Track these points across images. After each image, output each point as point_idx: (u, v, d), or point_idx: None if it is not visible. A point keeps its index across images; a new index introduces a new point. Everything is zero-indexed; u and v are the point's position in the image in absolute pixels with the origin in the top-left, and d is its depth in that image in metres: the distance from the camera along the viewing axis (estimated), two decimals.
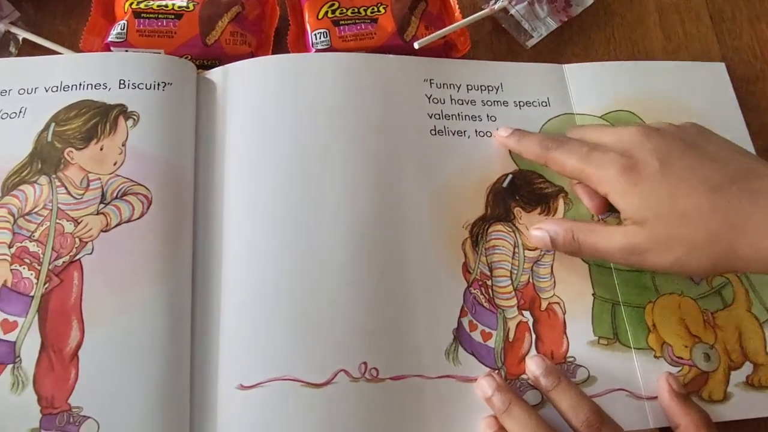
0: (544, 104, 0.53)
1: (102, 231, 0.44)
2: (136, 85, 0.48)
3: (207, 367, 0.44)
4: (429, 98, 0.52)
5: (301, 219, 0.46)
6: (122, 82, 0.48)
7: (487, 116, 0.52)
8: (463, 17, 0.56)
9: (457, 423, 0.43)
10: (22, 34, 0.52)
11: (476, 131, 0.52)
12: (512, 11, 0.56)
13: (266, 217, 0.46)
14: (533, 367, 0.44)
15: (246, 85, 0.50)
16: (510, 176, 0.50)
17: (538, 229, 0.45)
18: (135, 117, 0.47)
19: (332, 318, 0.44)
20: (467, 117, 0.52)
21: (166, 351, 0.43)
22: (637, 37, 0.59)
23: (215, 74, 0.52)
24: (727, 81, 0.55)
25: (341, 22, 0.54)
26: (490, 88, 0.53)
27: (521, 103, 0.53)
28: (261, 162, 0.48)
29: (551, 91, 0.54)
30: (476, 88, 0.53)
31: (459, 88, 0.53)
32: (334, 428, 0.42)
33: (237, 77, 0.51)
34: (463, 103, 0.53)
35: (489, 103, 0.53)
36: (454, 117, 0.52)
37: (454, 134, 0.51)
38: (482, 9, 0.56)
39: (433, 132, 0.51)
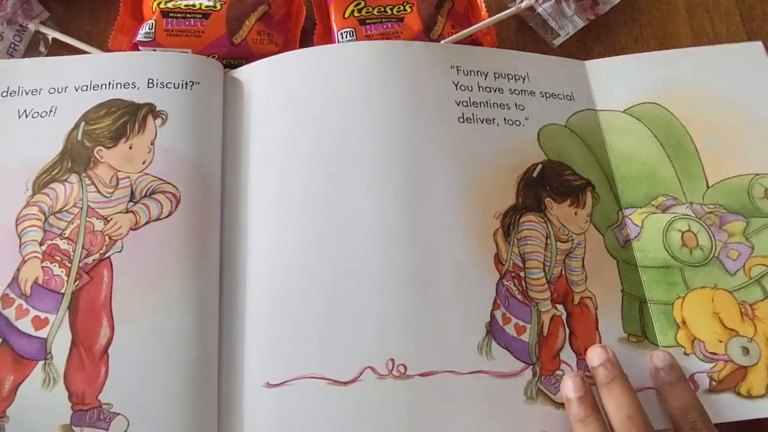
0: (568, 98, 0.53)
1: (131, 229, 0.45)
2: (164, 85, 0.48)
3: (234, 365, 0.44)
4: (456, 85, 0.51)
5: (329, 216, 0.46)
6: (151, 81, 0.48)
7: (515, 105, 0.52)
8: (490, 16, 0.55)
9: (490, 420, 0.43)
10: (51, 33, 0.53)
11: (505, 119, 0.51)
12: (539, 9, 0.56)
13: (293, 215, 0.46)
14: (592, 355, 0.44)
15: (271, 82, 0.50)
16: (540, 166, 0.50)
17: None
18: (163, 116, 0.47)
19: (359, 314, 0.44)
20: (495, 105, 0.51)
21: (194, 349, 0.43)
22: (664, 35, 0.58)
23: (241, 73, 0.52)
24: (765, 61, 0.53)
25: (367, 21, 0.54)
26: (517, 77, 0.53)
27: (547, 95, 0.53)
28: (287, 159, 0.48)
29: (574, 86, 0.53)
30: (503, 76, 0.53)
31: (486, 76, 0.52)
32: (361, 427, 0.42)
33: (262, 75, 0.51)
34: (490, 91, 0.52)
35: (516, 92, 0.52)
36: (482, 105, 0.51)
37: (482, 122, 0.50)
38: (509, 7, 0.56)
39: (461, 119, 0.50)
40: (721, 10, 0.59)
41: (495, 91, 0.52)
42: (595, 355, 0.43)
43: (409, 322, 0.44)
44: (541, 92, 0.53)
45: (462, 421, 0.42)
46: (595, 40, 0.57)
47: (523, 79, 0.53)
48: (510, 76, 0.53)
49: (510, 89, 0.52)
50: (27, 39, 0.53)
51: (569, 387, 0.42)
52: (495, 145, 0.50)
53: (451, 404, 0.43)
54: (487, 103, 0.51)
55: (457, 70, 0.52)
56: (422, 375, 0.43)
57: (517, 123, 0.51)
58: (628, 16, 0.59)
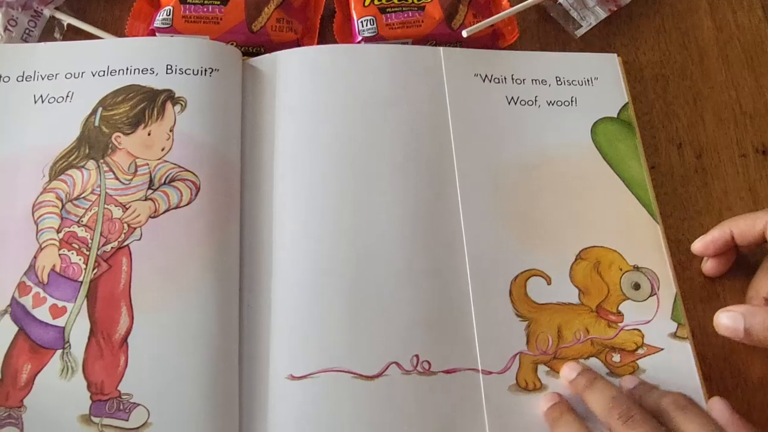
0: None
1: (150, 217, 0.44)
2: (183, 71, 0.47)
3: (257, 356, 0.43)
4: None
5: (353, 211, 0.46)
6: (169, 67, 0.47)
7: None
8: (511, 6, 0.55)
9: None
10: (66, 19, 0.52)
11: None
12: (561, 0, 0.55)
13: (317, 208, 0.46)
14: (567, 371, 0.44)
15: (296, 75, 0.50)
16: None
17: (727, 311, 0.43)
18: (182, 102, 0.47)
19: (384, 310, 0.44)
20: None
21: (215, 339, 0.42)
22: (687, 27, 0.57)
23: (262, 62, 0.51)
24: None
25: (388, 10, 0.53)
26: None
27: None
28: (312, 152, 0.47)
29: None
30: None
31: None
32: (385, 421, 0.41)
33: (287, 66, 0.50)
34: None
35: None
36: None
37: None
38: None
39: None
40: (743, 2, 0.58)
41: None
42: (570, 369, 0.43)
43: (433, 319, 0.44)
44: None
45: (486, 417, 0.42)
46: (617, 32, 0.57)
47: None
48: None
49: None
50: (42, 24, 0.52)
51: (567, 371, 0.43)
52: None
53: (476, 401, 0.43)
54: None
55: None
56: (446, 372, 0.43)
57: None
58: (650, 7, 0.58)
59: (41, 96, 0.47)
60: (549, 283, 0.46)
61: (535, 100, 0.52)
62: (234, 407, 0.42)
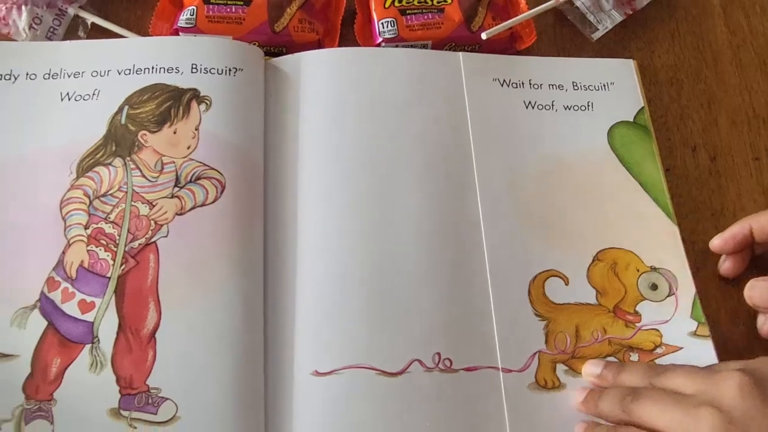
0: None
1: (177, 214, 0.44)
2: (207, 70, 0.48)
3: (282, 353, 0.44)
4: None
5: (374, 209, 0.47)
6: (194, 66, 0.48)
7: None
8: (529, 9, 0.55)
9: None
10: (90, 18, 0.52)
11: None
12: (577, 3, 0.56)
13: (340, 207, 0.47)
14: (590, 368, 0.44)
15: (319, 77, 0.50)
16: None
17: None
18: (207, 101, 0.47)
19: (407, 307, 0.44)
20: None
21: (240, 336, 0.43)
22: (701, 31, 0.58)
23: (285, 63, 0.51)
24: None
25: (408, 12, 0.54)
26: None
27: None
28: (334, 154, 0.48)
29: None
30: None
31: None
32: (408, 417, 0.42)
33: (310, 68, 0.51)
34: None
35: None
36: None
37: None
38: (548, 1, 0.56)
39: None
40: (756, 6, 0.59)
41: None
42: (593, 365, 0.44)
43: (454, 317, 0.45)
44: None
45: (507, 415, 0.43)
46: (632, 35, 0.58)
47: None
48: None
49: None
50: (66, 23, 0.53)
51: (591, 367, 0.44)
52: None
53: (497, 399, 0.43)
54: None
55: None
56: (467, 369, 0.44)
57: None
58: (664, 11, 0.59)
59: (68, 94, 0.48)
60: (567, 284, 0.47)
61: (552, 105, 0.53)
62: (259, 402, 0.42)
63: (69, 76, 0.48)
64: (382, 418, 0.42)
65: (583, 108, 0.53)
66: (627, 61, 0.55)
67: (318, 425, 0.42)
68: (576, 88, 0.54)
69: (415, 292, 0.45)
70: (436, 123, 0.50)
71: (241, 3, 0.52)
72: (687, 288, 0.47)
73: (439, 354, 0.44)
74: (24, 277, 0.43)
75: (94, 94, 0.47)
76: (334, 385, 0.42)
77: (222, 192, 0.45)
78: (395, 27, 0.53)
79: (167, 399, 0.41)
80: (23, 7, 0.51)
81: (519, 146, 0.51)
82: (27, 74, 0.48)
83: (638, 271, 0.48)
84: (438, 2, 0.54)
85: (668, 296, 0.47)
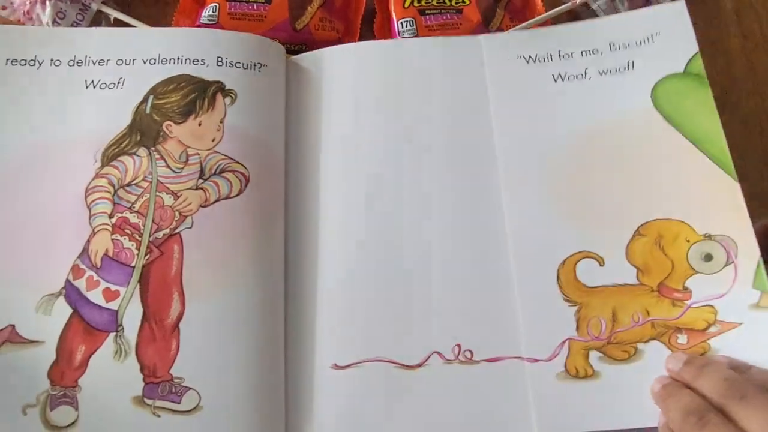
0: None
1: (201, 206, 0.44)
2: (233, 64, 0.48)
3: (302, 346, 0.44)
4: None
5: (395, 203, 0.47)
6: (220, 59, 0.48)
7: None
8: (546, 10, 0.56)
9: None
10: (113, 13, 0.53)
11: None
12: (594, 6, 0.57)
13: (360, 201, 0.47)
14: (672, 363, 0.41)
15: (339, 72, 0.51)
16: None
17: None
18: (232, 95, 0.47)
19: (426, 299, 0.44)
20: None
21: (261, 328, 0.43)
22: (714, 36, 0.59)
23: (306, 60, 0.52)
24: None
25: (427, 12, 0.55)
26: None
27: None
28: (355, 149, 0.48)
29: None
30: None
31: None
32: (428, 411, 0.42)
33: (330, 63, 0.51)
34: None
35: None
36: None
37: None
38: (564, 2, 0.57)
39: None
40: None
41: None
42: (675, 360, 0.41)
43: (475, 307, 0.44)
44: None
45: (532, 406, 0.42)
46: None
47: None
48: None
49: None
50: (89, 18, 0.53)
51: (672, 360, 0.41)
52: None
53: (520, 390, 0.42)
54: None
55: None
56: (489, 360, 0.43)
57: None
58: None
59: (92, 81, 0.47)
60: (602, 264, 0.44)
61: (585, 73, 0.50)
62: (280, 394, 0.42)
63: (94, 64, 0.48)
64: (401, 412, 0.42)
65: (621, 70, 0.49)
66: (676, 4, 0.50)
67: (337, 417, 0.42)
68: (613, 48, 0.50)
69: (434, 282, 0.45)
70: (456, 111, 0.49)
71: (263, 1, 0.53)
72: (749, 253, 0.42)
73: (459, 345, 0.43)
74: (49, 264, 0.43)
75: (119, 82, 0.47)
76: (353, 378, 0.43)
77: (246, 185, 0.45)
78: (414, 27, 0.54)
79: (190, 388, 0.41)
80: (47, 2, 0.51)
81: (547, 124, 0.48)
82: (51, 60, 0.48)
83: (688, 241, 0.44)
84: (456, 3, 0.55)
85: (726, 266, 0.43)
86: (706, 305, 0.43)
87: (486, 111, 0.49)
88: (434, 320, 0.44)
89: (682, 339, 0.42)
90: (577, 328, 0.43)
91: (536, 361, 0.43)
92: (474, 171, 0.48)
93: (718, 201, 0.44)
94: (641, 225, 0.45)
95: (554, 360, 0.43)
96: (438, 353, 0.43)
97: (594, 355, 0.43)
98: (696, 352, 0.42)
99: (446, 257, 0.45)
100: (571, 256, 0.45)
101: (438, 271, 0.45)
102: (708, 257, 0.43)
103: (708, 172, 0.45)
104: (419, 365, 0.43)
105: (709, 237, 0.44)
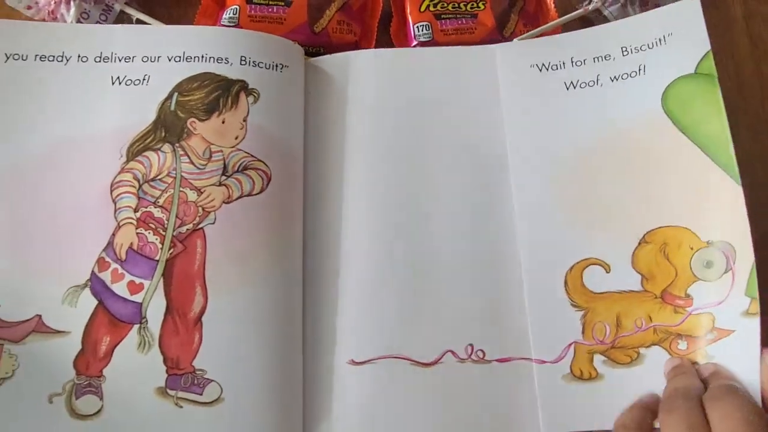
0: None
1: (224, 203, 0.45)
2: (256, 64, 0.49)
3: (320, 341, 0.45)
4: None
5: (411, 204, 0.48)
6: (243, 58, 0.49)
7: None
8: (559, 16, 0.57)
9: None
10: (136, 14, 0.54)
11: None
12: (605, 12, 0.58)
13: (377, 202, 0.48)
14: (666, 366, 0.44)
15: (358, 77, 0.51)
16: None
17: None
18: (255, 94, 0.48)
19: (441, 299, 0.45)
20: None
21: (281, 323, 0.44)
22: (723, 43, 0.60)
23: (325, 63, 0.52)
24: None
25: (443, 16, 0.55)
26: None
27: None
28: (372, 151, 0.49)
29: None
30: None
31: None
32: (441, 406, 0.43)
33: (351, 68, 0.52)
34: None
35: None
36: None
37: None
38: (576, 9, 0.58)
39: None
40: None
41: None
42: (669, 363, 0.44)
43: (487, 308, 0.46)
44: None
45: (541, 406, 0.44)
46: None
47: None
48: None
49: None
50: (112, 19, 0.54)
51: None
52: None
53: (530, 390, 0.44)
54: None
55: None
56: (500, 361, 0.44)
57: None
58: None
59: (118, 78, 0.48)
60: (608, 271, 0.46)
61: (597, 80, 0.50)
62: (298, 389, 0.43)
63: (120, 60, 0.48)
64: (415, 408, 0.43)
65: (633, 74, 0.49)
66: (689, 3, 0.49)
67: (353, 412, 0.43)
68: (626, 53, 0.50)
69: (449, 283, 0.46)
70: (470, 118, 0.50)
71: (282, 3, 0.54)
72: (745, 259, 0.42)
73: (472, 345, 0.44)
74: (75, 256, 0.43)
75: (144, 79, 0.48)
76: (369, 374, 0.44)
77: (267, 183, 0.46)
78: (430, 31, 0.55)
79: (212, 381, 0.41)
80: (72, 2, 0.52)
81: (557, 131, 0.49)
82: (79, 56, 0.48)
83: (692, 249, 0.45)
84: (471, 8, 0.56)
85: (725, 273, 0.43)
86: (706, 312, 0.44)
87: (499, 119, 0.50)
88: (448, 320, 0.45)
89: (683, 345, 0.44)
90: (583, 332, 0.45)
91: (544, 362, 0.44)
92: (487, 177, 0.49)
93: (721, 206, 0.44)
94: (647, 232, 0.46)
95: (561, 362, 0.44)
96: (452, 352, 0.44)
97: (598, 359, 0.44)
98: (694, 358, 0.43)
99: (460, 260, 0.46)
100: (578, 262, 0.46)
101: (452, 272, 0.46)
102: (709, 264, 0.44)
103: (713, 176, 0.45)
104: (434, 363, 0.44)
105: (710, 244, 0.44)
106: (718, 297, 0.44)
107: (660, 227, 0.46)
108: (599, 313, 0.45)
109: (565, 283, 0.46)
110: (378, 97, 0.51)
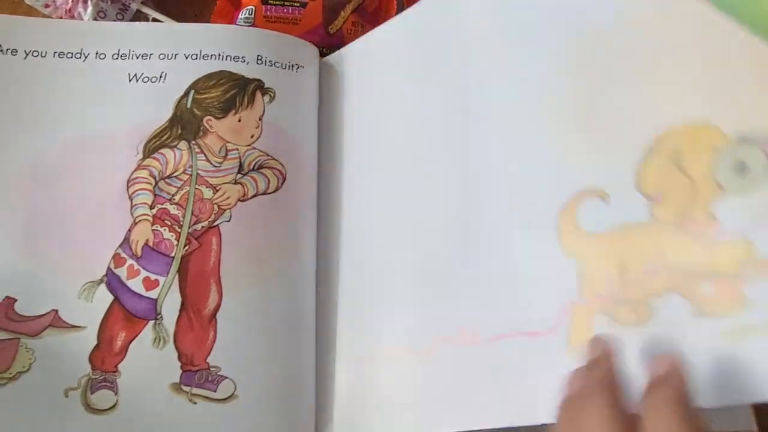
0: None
1: (239, 200, 0.45)
2: (272, 63, 0.49)
3: (333, 339, 0.45)
4: None
5: (415, 201, 0.46)
6: (260, 58, 0.49)
7: None
8: None
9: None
10: (152, 14, 0.54)
11: None
12: None
13: (393, 202, 0.47)
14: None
15: (358, 65, 0.51)
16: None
17: None
18: (271, 93, 0.48)
19: (453, 294, 0.44)
20: None
21: (294, 321, 0.44)
22: None
23: (333, 59, 0.53)
24: None
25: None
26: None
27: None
28: (377, 140, 0.48)
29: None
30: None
31: None
32: (441, 396, 0.40)
33: (350, 59, 0.52)
34: None
35: None
36: None
37: None
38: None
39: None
40: None
41: None
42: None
43: (476, 285, 0.41)
44: None
45: (540, 382, 0.36)
46: None
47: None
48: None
49: None
50: (128, 18, 0.54)
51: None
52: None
53: (523, 369, 0.37)
54: None
55: None
56: (492, 339, 0.38)
57: None
58: None
59: (135, 75, 0.48)
60: (606, 200, 0.35)
61: None
62: (311, 387, 0.44)
63: (137, 58, 0.48)
64: (416, 398, 0.41)
65: None
66: None
67: (364, 409, 0.43)
68: None
69: (453, 279, 0.42)
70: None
71: (298, 4, 0.54)
72: None
73: (463, 328, 0.40)
74: (92, 252, 0.43)
75: (161, 76, 0.48)
76: (374, 368, 0.43)
77: (282, 182, 0.46)
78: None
79: (226, 377, 0.41)
80: (89, 1, 0.52)
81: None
82: (97, 53, 0.48)
83: (715, 149, 0.31)
84: None
85: (765, 177, 0.30)
86: (740, 237, 0.30)
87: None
88: (462, 309, 0.41)
89: (708, 288, 0.30)
90: (580, 288, 0.35)
91: (536, 334, 0.36)
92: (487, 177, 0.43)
93: (757, 86, 0.31)
94: (654, 138, 0.34)
95: (556, 331, 0.36)
96: (443, 338, 0.41)
97: (600, 321, 0.34)
98: (725, 308, 0.30)
99: (464, 254, 0.42)
100: (571, 198, 0.36)
101: (455, 269, 0.42)
102: (741, 167, 0.30)
103: (744, 45, 0.31)
104: (428, 352, 0.41)
105: (741, 138, 0.31)
106: (756, 214, 0.30)
107: (670, 129, 0.33)
108: (596, 261, 0.35)
109: (558, 227, 0.37)
110: (378, 81, 0.50)
